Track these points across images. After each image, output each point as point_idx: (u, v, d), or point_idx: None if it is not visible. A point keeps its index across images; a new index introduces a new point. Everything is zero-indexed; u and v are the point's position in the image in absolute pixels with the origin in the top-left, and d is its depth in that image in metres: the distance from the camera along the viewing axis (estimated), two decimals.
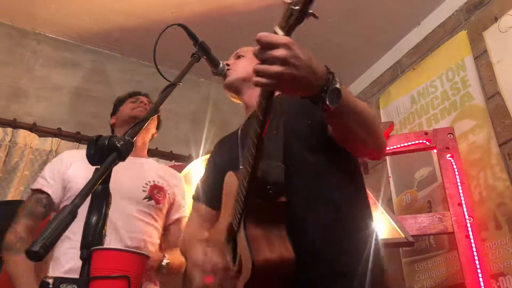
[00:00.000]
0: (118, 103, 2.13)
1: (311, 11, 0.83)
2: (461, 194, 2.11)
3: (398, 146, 2.37)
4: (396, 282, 2.65)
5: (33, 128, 2.78)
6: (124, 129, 1.74)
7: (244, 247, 1.03)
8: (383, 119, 3.10)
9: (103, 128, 3.00)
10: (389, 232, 2.13)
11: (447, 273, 2.34)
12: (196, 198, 1.51)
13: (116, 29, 3.11)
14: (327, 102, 0.92)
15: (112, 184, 1.74)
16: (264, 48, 0.88)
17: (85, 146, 0.94)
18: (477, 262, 1.95)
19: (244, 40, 1.64)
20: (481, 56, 2.49)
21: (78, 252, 0.86)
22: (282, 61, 0.87)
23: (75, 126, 2.94)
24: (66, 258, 1.61)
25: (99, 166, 0.87)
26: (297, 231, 1.09)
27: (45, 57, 3.12)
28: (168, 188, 1.89)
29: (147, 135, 2.05)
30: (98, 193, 0.89)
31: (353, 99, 1.05)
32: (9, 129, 2.70)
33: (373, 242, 1.19)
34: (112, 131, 2.05)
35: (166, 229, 1.87)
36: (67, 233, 0.75)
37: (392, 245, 2.16)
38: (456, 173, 2.16)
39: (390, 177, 2.91)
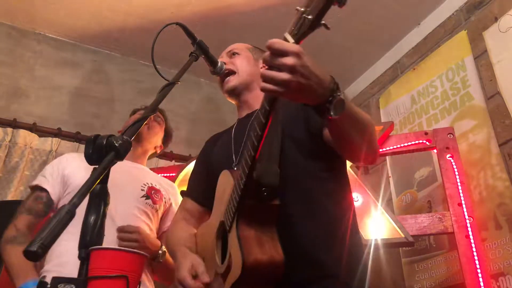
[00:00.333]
0: (132, 113, 2.16)
1: (323, 22, 0.84)
2: (461, 194, 2.11)
3: (398, 146, 2.37)
4: (396, 282, 2.65)
5: (33, 128, 2.78)
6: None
7: (235, 246, 1.04)
8: (383, 119, 3.10)
9: (103, 128, 3.02)
10: (389, 232, 2.13)
11: (447, 273, 2.34)
12: (186, 194, 1.52)
13: (116, 29, 3.11)
14: (331, 113, 0.92)
15: (111, 181, 1.76)
16: (274, 55, 0.88)
17: (83, 152, 0.94)
18: (477, 262, 1.95)
19: (244, 40, 1.64)
20: (481, 56, 2.49)
21: (75, 246, 0.86)
22: (291, 69, 0.88)
23: (75, 126, 2.94)
24: (61, 249, 1.58)
25: (97, 166, 0.87)
26: (290, 234, 1.11)
27: (45, 57, 3.12)
28: (165, 193, 1.92)
29: (150, 144, 2.05)
30: (96, 193, 0.89)
31: (353, 108, 1.06)
32: (9, 129, 2.70)
33: (362, 246, 1.24)
34: None
35: (160, 237, 1.88)
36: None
37: (392, 245, 2.16)
38: (456, 173, 2.16)
39: (390, 177, 2.91)
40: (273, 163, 1.11)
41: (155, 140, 2.07)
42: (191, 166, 2.56)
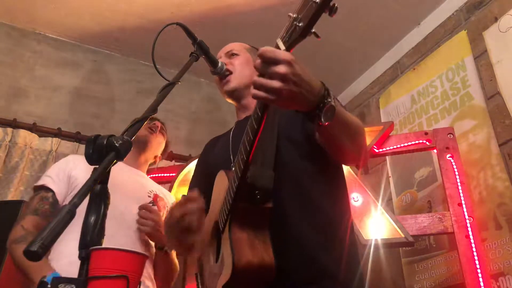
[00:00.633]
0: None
1: (314, 30, 0.84)
2: (461, 194, 2.11)
3: (398, 146, 2.37)
4: (396, 282, 2.65)
5: (33, 128, 2.78)
6: (134, 146, 1.80)
7: (227, 248, 1.06)
8: (383, 119, 3.10)
9: (103, 128, 3.02)
10: (389, 232, 2.13)
11: (447, 273, 2.34)
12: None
13: (116, 29, 3.11)
14: (322, 119, 0.93)
15: (121, 187, 1.77)
16: (266, 62, 0.88)
17: (83, 152, 0.94)
18: (477, 262, 1.95)
19: (244, 40, 1.64)
20: (481, 56, 2.49)
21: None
22: (282, 78, 0.88)
23: (75, 126, 2.95)
24: (70, 249, 1.59)
25: (97, 166, 0.87)
26: (287, 235, 1.12)
27: (45, 57, 3.12)
28: (167, 202, 1.97)
29: (152, 154, 2.09)
30: (97, 193, 0.88)
31: (344, 113, 1.08)
32: (9, 129, 2.70)
33: (359, 247, 1.23)
34: None
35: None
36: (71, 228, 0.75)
37: (392, 245, 2.16)
38: (456, 173, 2.16)
39: (390, 177, 2.91)
40: (267, 167, 1.12)
41: (158, 150, 2.12)
42: (191, 166, 2.56)
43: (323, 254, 1.13)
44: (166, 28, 1.31)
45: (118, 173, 1.82)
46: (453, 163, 2.18)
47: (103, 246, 0.87)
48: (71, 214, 0.75)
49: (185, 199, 1.19)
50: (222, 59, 1.48)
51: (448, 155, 2.21)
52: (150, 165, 2.17)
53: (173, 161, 3.08)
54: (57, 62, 3.15)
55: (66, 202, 1.77)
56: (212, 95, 3.54)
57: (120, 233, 1.68)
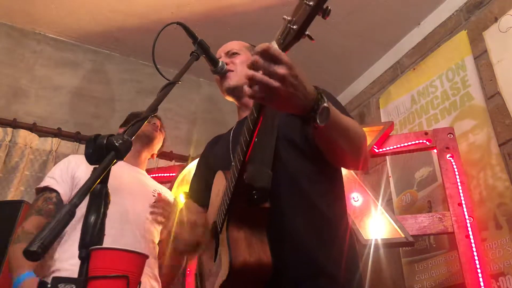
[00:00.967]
0: (133, 116, 2.15)
1: (308, 33, 0.84)
2: (461, 194, 2.11)
3: (398, 146, 2.37)
4: (396, 282, 2.65)
5: (33, 128, 2.78)
6: (134, 144, 1.82)
7: (224, 247, 1.06)
8: (383, 119, 3.10)
9: (103, 128, 3.02)
10: (389, 232, 2.13)
11: (447, 273, 2.34)
12: (188, 196, 1.54)
13: (116, 29, 3.11)
14: (317, 121, 0.93)
15: (126, 187, 1.78)
16: (268, 60, 0.87)
17: (83, 152, 0.94)
18: (477, 262, 1.95)
19: (244, 40, 1.64)
20: (481, 56, 2.49)
21: None
22: (281, 78, 0.88)
23: (75, 126, 2.94)
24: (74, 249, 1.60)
25: (97, 166, 0.87)
26: (283, 233, 1.12)
27: (45, 57, 3.12)
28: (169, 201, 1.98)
29: (153, 151, 2.12)
30: (97, 193, 0.88)
31: (339, 115, 1.07)
32: (9, 129, 2.70)
33: (356, 248, 1.25)
34: None
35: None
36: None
37: (392, 245, 2.16)
38: (456, 173, 2.16)
39: (390, 177, 2.91)
40: (265, 166, 1.12)
41: (157, 147, 2.15)
42: (191, 166, 2.56)
43: (320, 254, 1.13)
44: (166, 28, 1.31)
45: (122, 172, 1.84)
46: (453, 163, 2.18)
47: (103, 246, 0.87)
48: (70, 214, 0.75)
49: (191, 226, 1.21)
50: (222, 59, 1.48)
51: (448, 155, 2.21)
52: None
53: (173, 161, 3.08)
54: (57, 62, 3.15)
55: None
56: (212, 95, 3.54)
57: (125, 233, 1.69)
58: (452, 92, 2.64)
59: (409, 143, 2.35)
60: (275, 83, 0.88)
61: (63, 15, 3.00)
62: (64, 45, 3.22)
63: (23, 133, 2.72)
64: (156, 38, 1.30)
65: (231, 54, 1.51)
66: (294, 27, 0.83)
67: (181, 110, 3.40)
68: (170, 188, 2.54)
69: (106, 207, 0.89)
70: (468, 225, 2.04)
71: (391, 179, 2.90)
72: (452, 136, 2.27)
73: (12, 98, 2.89)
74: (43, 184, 1.80)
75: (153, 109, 1.09)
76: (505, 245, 2.08)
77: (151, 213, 1.74)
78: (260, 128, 0.97)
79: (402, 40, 3.14)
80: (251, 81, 0.89)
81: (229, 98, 1.52)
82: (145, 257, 0.92)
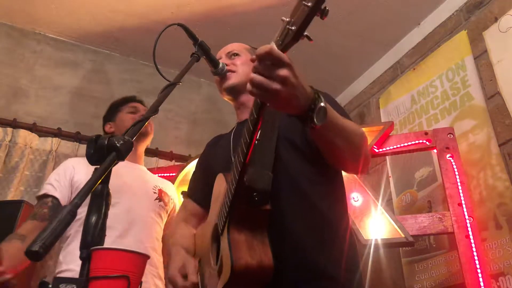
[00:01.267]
0: (115, 109, 2.14)
1: (306, 34, 0.84)
2: (461, 194, 2.11)
3: (398, 146, 2.37)
4: (396, 282, 2.65)
5: (33, 128, 2.78)
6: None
7: (226, 250, 1.06)
8: (383, 119, 3.10)
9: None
10: (389, 232, 2.13)
11: (447, 273, 2.34)
12: (187, 195, 1.54)
13: (116, 29, 3.11)
14: (315, 121, 0.93)
15: (127, 186, 1.78)
16: (270, 62, 0.88)
17: (83, 152, 0.95)
18: (477, 262, 1.95)
19: (244, 40, 1.64)
20: (481, 56, 2.49)
21: None
22: (283, 80, 0.88)
23: (75, 126, 2.94)
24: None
25: (98, 166, 0.87)
26: (284, 236, 1.12)
27: (45, 57, 3.12)
28: (170, 195, 2.00)
29: (145, 146, 2.11)
30: (98, 193, 0.89)
31: (337, 116, 1.07)
32: (9, 129, 2.70)
33: (357, 249, 1.26)
34: None
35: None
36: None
37: (392, 245, 2.16)
38: (456, 173, 2.16)
39: (390, 177, 2.91)
40: (265, 168, 1.12)
41: (151, 138, 2.13)
42: (191, 166, 2.56)
43: (321, 256, 1.13)
44: (166, 29, 1.32)
45: (123, 171, 1.84)
46: (453, 163, 2.18)
47: (104, 246, 0.87)
48: (72, 214, 0.76)
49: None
50: (223, 60, 1.48)
51: (448, 155, 2.21)
52: None
53: (173, 161, 3.08)
54: (57, 62, 3.15)
55: None
56: (212, 95, 3.55)
57: (130, 233, 1.70)
58: (452, 92, 2.64)
59: (409, 143, 2.35)
60: (277, 86, 0.88)
61: (63, 15, 3.00)
62: (64, 45, 3.22)
63: (23, 133, 2.72)
64: (157, 39, 1.31)
65: (231, 55, 1.52)
66: (293, 28, 0.83)
67: (181, 110, 3.40)
68: None
69: (107, 208, 0.89)
70: (468, 225, 2.04)
71: (391, 179, 2.90)
72: (452, 136, 2.27)
73: (12, 98, 2.89)
74: (42, 192, 1.81)
75: (154, 109, 1.09)
76: (505, 245, 2.08)
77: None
78: (260, 129, 0.97)
79: (402, 40, 3.14)
80: (252, 83, 0.89)
81: (227, 99, 1.52)
82: (146, 257, 0.92)
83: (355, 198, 2.27)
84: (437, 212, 2.25)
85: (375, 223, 2.17)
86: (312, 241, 1.15)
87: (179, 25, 1.33)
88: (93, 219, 0.86)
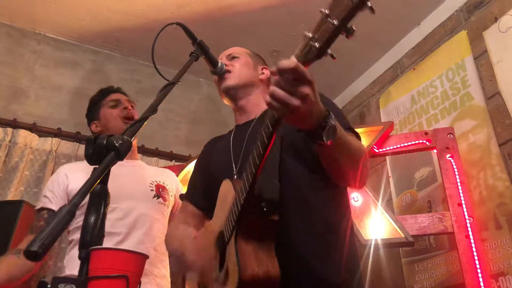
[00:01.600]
0: (96, 105, 2.07)
1: (330, 52, 0.82)
2: (461, 194, 2.11)
3: (398, 146, 2.37)
4: (396, 282, 2.65)
5: (33, 128, 2.78)
6: None
7: (232, 259, 1.06)
8: (383, 119, 3.10)
9: None
10: (389, 232, 2.13)
11: (447, 273, 2.34)
12: (185, 198, 1.53)
13: (116, 29, 3.11)
14: (324, 138, 0.94)
15: (120, 188, 1.77)
16: (292, 77, 0.86)
17: (83, 152, 0.94)
18: (477, 262, 1.95)
19: (244, 40, 1.65)
20: (481, 56, 2.49)
21: None
22: (304, 97, 0.88)
23: (75, 126, 2.94)
24: None
25: (97, 166, 0.87)
26: (288, 243, 1.12)
27: (45, 57, 3.12)
28: (169, 188, 1.95)
29: (136, 138, 2.07)
30: (97, 193, 0.88)
31: (344, 136, 1.08)
32: (9, 129, 2.70)
33: (356, 249, 1.26)
34: None
35: None
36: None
37: (392, 245, 2.16)
38: (456, 173, 2.16)
39: (390, 177, 2.91)
40: (272, 176, 1.13)
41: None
42: (191, 166, 2.56)
43: (325, 263, 1.14)
44: (166, 28, 1.32)
45: (118, 171, 1.82)
46: (453, 163, 2.18)
47: (103, 246, 0.87)
48: (71, 214, 0.76)
49: None
50: (223, 61, 1.49)
51: (448, 155, 2.21)
52: None
53: (173, 161, 3.08)
54: (57, 62, 3.15)
55: None
56: (212, 95, 3.54)
57: (127, 237, 1.69)
58: (452, 92, 2.64)
59: (409, 143, 2.35)
60: (296, 102, 0.88)
61: (63, 15, 3.00)
62: (64, 45, 3.22)
63: (23, 133, 2.72)
64: (155, 38, 1.31)
65: (231, 58, 1.52)
66: (317, 44, 0.82)
67: (181, 110, 3.40)
68: None
69: (106, 207, 0.89)
70: (468, 225, 2.04)
71: (391, 179, 2.90)
72: (452, 136, 2.27)
73: (12, 98, 2.89)
74: (39, 205, 1.81)
75: (153, 109, 1.09)
76: (505, 245, 2.08)
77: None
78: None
79: (402, 40, 3.14)
80: (272, 96, 0.89)
81: (226, 100, 1.52)
82: (145, 257, 0.92)
83: (355, 198, 2.27)
84: (437, 212, 2.24)
85: (375, 223, 2.17)
86: (316, 249, 1.15)
87: (178, 24, 1.33)
88: (92, 219, 0.86)
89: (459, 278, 2.16)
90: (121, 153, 0.89)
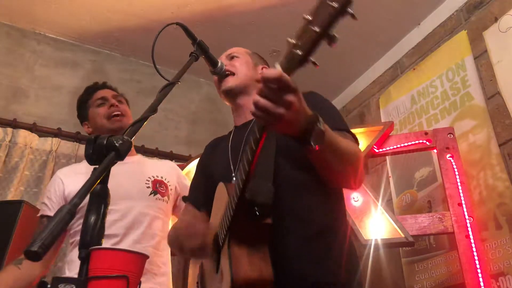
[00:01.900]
0: (83, 106, 2.06)
1: (313, 60, 0.82)
2: (461, 194, 2.11)
3: (398, 146, 2.37)
4: (396, 282, 2.65)
5: (33, 128, 2.78)
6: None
7: (226, 263, 1.06)
8: (383, 119, 3.10)
9: None
10: (389, 232, 2.13)
11: (447, 273, 2.34)
12: (187, 199, 1.54)
13: (116, 29, 3.11)
14: (312, 143, 0.94)
15: (116, 188, 1.77)
16: (276, 86, 0.86)
17: (83, 152, 0.94)
18: (477, 262, 1.95)
19: (244, 40, 1.65)
20: (481, 56, 2.49)
21: None
22: (288, 105, 0.88)
23: (75, 126, 2.94)
24: None
25: (97, 166, 0.87)
26: (282, 249, 1.12)
27: (45, 57, 3.12)
28: (169, 181, 1.92)
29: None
30: (97, 193, 0.88)
31: (335, 138, 1.08)
32: (9, 129, 2.70)
33: (354, 249, 1.26)
34: None
35: None
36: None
37: (392, 245, 2.16)
38: (456, 173, 2.16)
39: (390, 177, 2.91)
40: (266, 180, 1.12)
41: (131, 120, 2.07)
42: (191, 166, 2.56)
43: (320, 265, 1.13)
44: (166, 28, 1.32)
45: (114, 169, 1.80)
46: (453, 163, 2.18)
47: (103, 246, 0.87)
48: (71, 214, 0.76)
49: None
50: (222, 61, 1.49)
51: (448, 155, 2.21)
52: None
53: (173, 161, 3.07)
54: (57, 62, 3.15)
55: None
56: (212, 95, 3.54)
57: (125, 238, 1.68)
58: (452, 92, 2.64)
59: (409, 143, 2.35)
60: (281, 110, 0.88)
61: (63, 15, 3.00)
62: (64, 45, 3.22)
63: (23, 133, 2.72)
64: (155, 38, 1.31)
65: (231, 58, 1.52)
66: (299, 52, 0.81)
67: (181, 110, 3.40)
68: None
69: (106, 207, 0.89)
70: (468, 225, 2.04)
71: (391, 179, 2.90)
72: (452, 136, 2.27)
73: (12, 98, 2.89)
74: (40, 213, 1.82)
75: (153, 109, 1.09)
76: (505, 245, 2.08)
77: None
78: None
79: (402, 40, 3.14)
80: (256, 106, 0.89)
81: (226, 100, 1.52)
82: (145, 257, 0.92)
83: (355, 198, 2.27)
84: (437, 212, 2.24)
85: (375, 223, 2.17)
86: (311, 251, 1.15)
87: (178, 24, 1.33)
88: (92, 219, 0.86)
89: (459, 278, 2.16)
90: (122, 153, 0.89)
